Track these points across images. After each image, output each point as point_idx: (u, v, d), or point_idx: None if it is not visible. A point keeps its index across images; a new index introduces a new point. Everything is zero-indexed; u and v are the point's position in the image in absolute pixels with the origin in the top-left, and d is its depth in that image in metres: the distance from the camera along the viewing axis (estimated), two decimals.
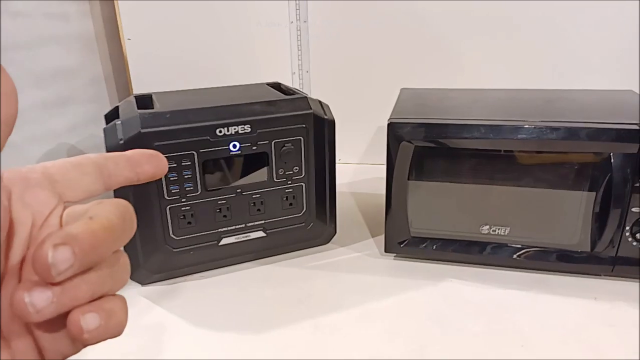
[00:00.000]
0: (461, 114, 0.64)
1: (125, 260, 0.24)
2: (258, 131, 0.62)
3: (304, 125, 0.64)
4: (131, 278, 0.64)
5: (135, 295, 0.63)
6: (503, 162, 0.59)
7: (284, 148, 0.64)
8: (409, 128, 0.60)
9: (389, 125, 0.61)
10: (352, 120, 0.93)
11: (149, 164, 0.27)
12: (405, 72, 0.94)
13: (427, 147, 0.60)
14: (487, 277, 0.62)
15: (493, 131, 0.58)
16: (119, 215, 0.23)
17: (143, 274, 0.64)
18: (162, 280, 0.65)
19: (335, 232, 0.72)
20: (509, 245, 0.62)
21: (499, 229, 0.61)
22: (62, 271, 0.20)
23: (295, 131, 0.64)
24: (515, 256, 0.62)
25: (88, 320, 0.21)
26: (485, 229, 0.62)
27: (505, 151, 0.59)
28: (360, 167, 1.01)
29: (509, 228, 0.61)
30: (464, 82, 0.88)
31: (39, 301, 0.20)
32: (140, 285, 0.64)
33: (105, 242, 0.22)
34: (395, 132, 0.60)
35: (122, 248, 0.24)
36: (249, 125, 0.62)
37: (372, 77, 0.97)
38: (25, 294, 0.20)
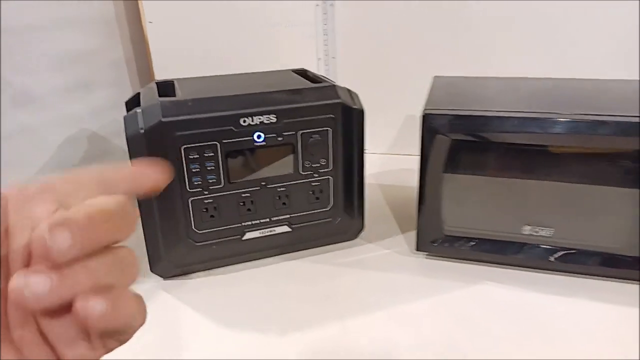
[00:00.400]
0: (501, 105, 0.59)
1: (129, 253, 0.23)
2: (284, 121, 0.59)
3: (332, 116, 0.61)
4: (152, 271, 0.62)
5: (156, 289, 0.61)
6: (548, 157, 0.55)
7: (311, 139, 0.61)
8: (445, 120, 0.56)
9: (423, 116, 0.57)
10: (380, 109, 0.88)
11: (148, 180, 0.26)
12: (436, 58, 0.90)
13: (464, 141, 0.56)
14: (525, 280, 0.59)
15: (538, 125, 0.53)
16: (116, 204, 0.23)
17: (164, 267, 0.62)
18: (183, 274, 0.63)
19: (363, 228, 0.69)
20: (551, 246, 0.58)
21: (542, 230, 0.57)
22: (62, 250, 0.20)
23: (323, 121, 0.61)
24: (557, 259, 0.58)
25: (92, 304, 0.20)
26: (527, 229, 0.58)
27: (551, 145, 0.54)
28: (387, 157, 0.97)
29: (553, 229, 0.57)
30: (499, 70, 0.83)
31: (37, 285, 0.20)
32: (161, 278, 0.62)
33: (102, 225, 0.21)
34: (430, 125, 0.57)
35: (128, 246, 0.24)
36: (274, 115, 0.58)
37: (401, 64, 0.92)
38: (22, 277, 0.20)
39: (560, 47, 0.83)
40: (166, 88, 0.65)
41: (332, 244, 0.68)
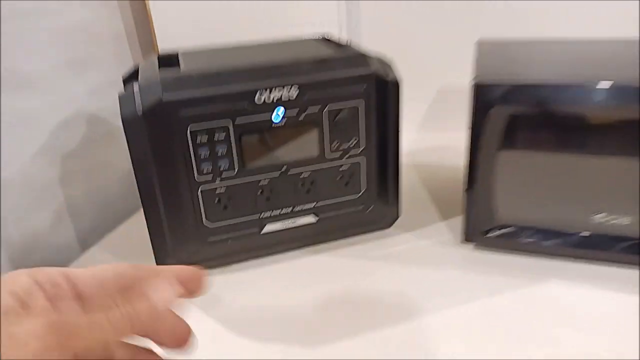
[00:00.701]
0: (565, 71, 0.50)
1: None
2: (307, 96, 0.50)
3: (363, 89, 0.52)
4: None
5: None
6: (627, 131, 0.45)
7: (339, 116, 0.52)
8: (501, 90, 0.47)
9: (475, 86, 0.47)
10: (409, 80, 0.79)
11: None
12: (472, 21, 0.79)
13: (525, 114, 0.47)
14: (599, 278, 0.49)
15: (613, 94, 0.44)
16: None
17: (172, 264, 0.54)
18: None
19: (399, 215, 0.61)
20: (629, 237, 0.49)
21: (617, 218, 0.48)
22: None
23: (353, 95, 0.52)
24: (636, 251, 0.49)
25: None
26: (599, 217, 0.49)
27: (629, 117, 0.45)
28: (419, 135, 0.88)
29: (631, 217, 0.48)
30: (543, 33, 0.72)
31: None
32: None
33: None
34: (484, 96, 0.47)
35: None
36: (296, 88, 0.49)
37: (433, 29, 0.82)
38: None
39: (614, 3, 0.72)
40: (169, 61, 0.56)
41: (363, 234, 0.60)
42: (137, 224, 0.61)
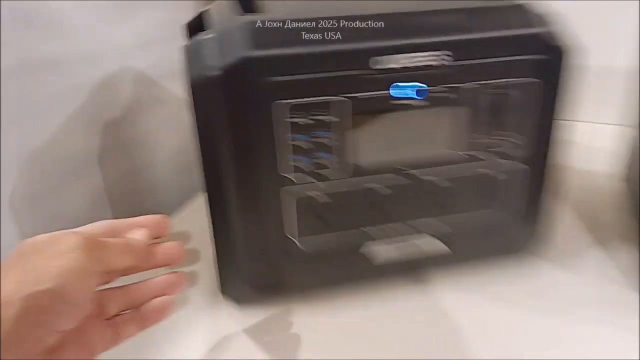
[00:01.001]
0: None
1: None
2: (449, 65, 0.34)
3: (539, 58, 0.35)
4: (225, 294, 0.41)
5: (227, 320, 0.40)
6: None
7: (495, 99, 0.36)
8: None
9: None
10: None
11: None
12: None
13: None
14: None
15: None
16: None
17: (240, 289, 0.40)
18: (268, 299, 0.41)
19: (539, 237, 0.44)
20: None
21: None
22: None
23: (523, 68, 0.35)
24: None
25: None
26: None
27: None
28: None
29: None
30: None
31: None
32: (236, 304, 0.41)
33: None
34: None
35: None
36: (439, 52, 0.33)
37: None
38: None
39: None
40: (246, 6, 0.40)
41: (495, 259, 0.44)
42: (190, 221, 0.47)
